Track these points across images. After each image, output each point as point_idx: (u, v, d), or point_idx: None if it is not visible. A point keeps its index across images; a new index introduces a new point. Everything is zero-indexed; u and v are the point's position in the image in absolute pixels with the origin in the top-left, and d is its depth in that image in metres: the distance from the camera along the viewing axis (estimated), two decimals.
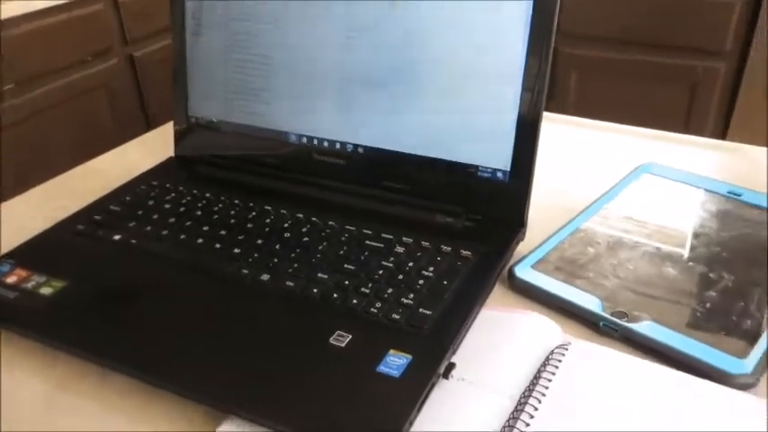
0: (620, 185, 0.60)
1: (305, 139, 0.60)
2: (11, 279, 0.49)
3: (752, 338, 0.42)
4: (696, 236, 0.53)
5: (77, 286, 0.48)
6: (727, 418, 0.36)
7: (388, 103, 0.55)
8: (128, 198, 0.59)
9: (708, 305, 0.45)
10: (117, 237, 0.54)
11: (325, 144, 0.59)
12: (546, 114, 0.77)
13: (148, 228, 0.55)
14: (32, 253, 0.52)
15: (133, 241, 0.53)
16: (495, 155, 0.53)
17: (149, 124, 1.78)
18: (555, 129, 0.76)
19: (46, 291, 0.47)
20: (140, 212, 0.57)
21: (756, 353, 0.41)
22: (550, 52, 0.49)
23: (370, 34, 0.55)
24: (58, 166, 0.71)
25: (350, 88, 0.57)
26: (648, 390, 0.38)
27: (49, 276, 0.49)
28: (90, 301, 0.47)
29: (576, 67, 1.64)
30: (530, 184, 0.52)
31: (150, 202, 0.58)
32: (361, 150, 0.58)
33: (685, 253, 0.51)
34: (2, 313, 0.46)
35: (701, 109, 1.51)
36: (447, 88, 0.53)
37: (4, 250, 0.52)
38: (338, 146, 0.59)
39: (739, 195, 0.58)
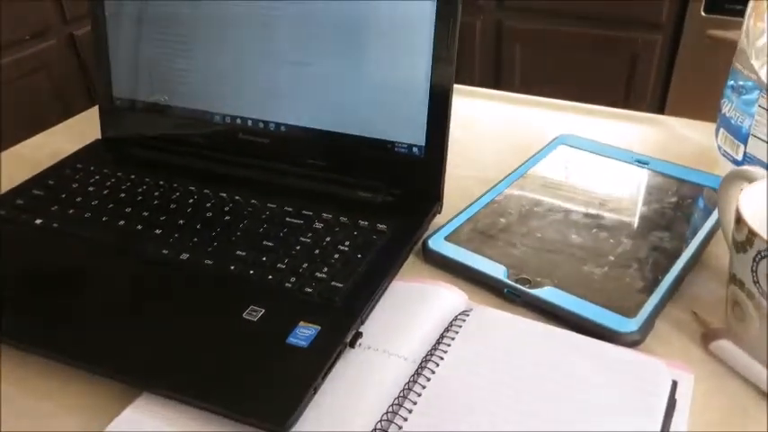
0: (537, 157, 0.62)
1: (228, 119, 0.61)
2: None
3: (642, 299, 0.45)
4: (602, 204, 0.55)
5: None
6: (612, 373, 0.39)
7: (308, 81, 0.56)
8: (51, 182, 0.59)
9: (605, 269, 0.48)
10: (39, 221, 0.54)
11: (249, 123, 0.60)
12: (470, 89, 0.80)
13: (71, 211, 0.55)
14: None
15: (55, 225, 0.53)
16: (410, 131, 0.54)
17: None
18: (481, 103, 0.78)
19: None
20: (64, 196, 0.57)
21: (644, 312, 0.44)
22: (457, 30, 0.51)
23: (284, 10, 0.55)
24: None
25: (269, 66, 0.57)
26: (540, 349, 0.41)
27: None
28: (8, 284, 0.47)
29: (519, 40, 1.66)
30: (444, 159, 0.54)
31: (74, 185, 0.59)
32: (283, 129, 0.59)
33: (591, 220, 0.53)
34: None
35: (641, 80, 1.55)
36: (363, 66, 0.54)
37: None
38: (261, 125, 0.59)
39: (646, 164, 0.60)
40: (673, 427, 0.36)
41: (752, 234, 0.38)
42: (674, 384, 0.39)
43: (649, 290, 0.46)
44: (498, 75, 1.72)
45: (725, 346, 0.41)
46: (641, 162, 0.61)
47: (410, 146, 0.55)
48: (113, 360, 0.41)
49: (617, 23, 1.52)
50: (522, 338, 0.42)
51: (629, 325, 0.43)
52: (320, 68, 0.56)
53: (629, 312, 0.44)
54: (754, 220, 0.39)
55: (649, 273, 0.47)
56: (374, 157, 0.56)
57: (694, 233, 0.51)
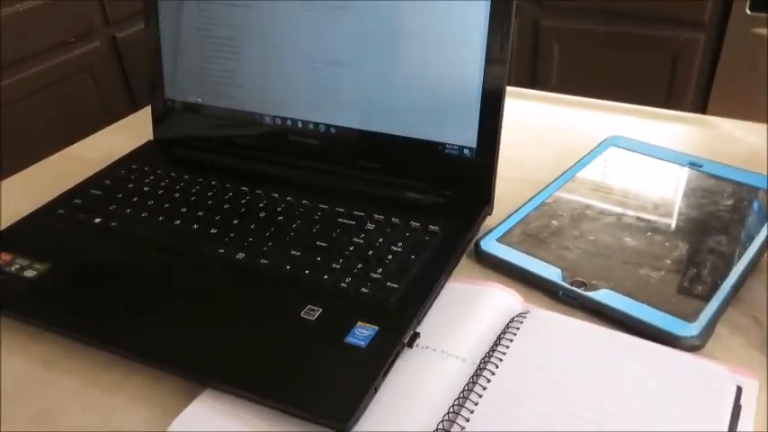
0: (587, 159, 0.62)
1: (279, 121, 0.61)
2: None
3: (702, 303, 0.44)
4: (656, 206, 0.55)
5: (59, 269, 0.50)
6: (674, 378, 0.39)
7: (359, 83, 0.57)
8: (107, 182, 0.61)
9: (662, 272, 0.47)
10: (97, 220, 0.55)
11: (299, 125, 0.61)
12: (517, 90, 0.80)
13: (128, 210, 0.56)
14: (16, 237, 0.54)
15: (113, 224, 0.55)
16: (461, 133, 0.54)
17: (137, 106, 1.78)
18: (527, 105, 0.77)
19: (29, 273, 0.49)
20: (120, 196, 0.59)
21: (705, 316, 0.43)
22: (511, 30, 0.51)
23: (338, 14, 0.56)
24: (44, 151, 0.72)
25: (321, 68, 0.58)
26: (599, 353, 0.41)
27: (32, 260, 0.50)
28: (72, 282, 0.49)
29: (557, 39, 1.64)
30: (495, 161, 0.54)
31: (130, 186, 0.60)
32: (333, 130, 0.59)
33: (644, 223, 0.53)
34: None
35: (682, 80, 1.53)
36: (414, 67, 0.54)
37: None
38: (311, 126, 0.60)
39: (700, 166, 0.60)
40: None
41: None
42: (739, 390, 0.38)
43: (709, 294, 0.45)
44: (534, 75, 1.70)
45: None
46: (695, 164, 0.60)
47: (461, 147, 0.55)
48: (176, 356, 0.42)
49: (658, 22, 1.50)
50: (581, 341, 0.42)
51: (690, 329, 0.42)
52: (371, 69, 0.56)
53: (689, 316, 0.43)
54: None
55: (708, 276, 0.47)
56: (424, 159, 0.56)
57: (752, 236, 0.50)
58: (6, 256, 0.51)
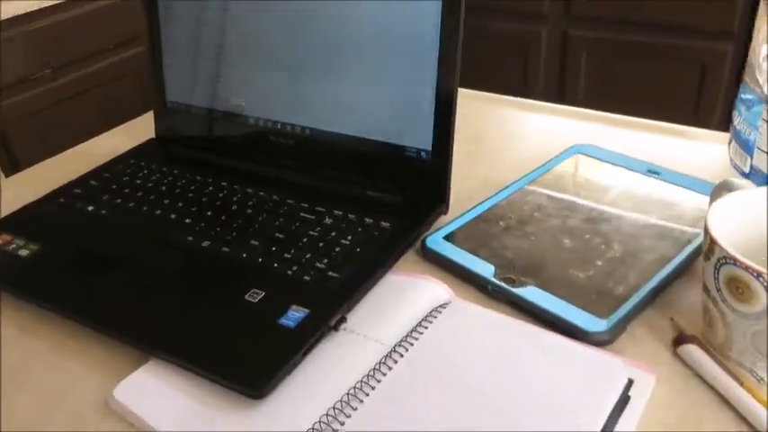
0: (549, 164, 0.64)
1: (261, 122, 0.67)
2: None
3: (619, 302, 0.46)
4: (602, 211, 0.57)
5: (49, 249, 0.56)
6: (568, 367, 0.41)
7: (326, 88, 0.61)
8: (106, 175, 0.67)
9: (591, 273, 0.50)
10: (90, 208, 0.62)
11: (278, 126, 0.66)
12: (490, 96, 0.82)
13: (118, 201, 0.62)
14: (18, 221, 0.61)
15: (103, 212, 0.61)
16: (418, 135, 0.58)
17: None
18: (502, 111, 0.80)
19: (23, 252, 0.56)
20: (114, 187, 0.65)
21: (618, 314, 0.45)
22: (461, 32, 0.54)
23: (304, 21, 0.60)
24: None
25: (292, 73, 0.63)
26: (504, 342, 0.43)
27: (27, 240, 0.57)
28: (55, 261, 0.55)
29: (585, 49, 1.64)
30: (449, 163, 0.57)
31: (125, 179, 0.66)
32: (308, 132, 0.64)
33: (588, 226, 0.55)
34: None
35: (711, 92, 1.50)
36: (374, 72, 0.58)
37: None
38: (288, 128, 0.65)
39: (657, 173, 0.61)
40: (620, 425, 0.38)
41: (713, 242, 0.40)
42: (630, 382, 0.40)
43: (628, 294, 0.47)
44: (562, 87, 1.71)
45: (691, 350, 0.42)
46: (652, 172, 0.61)
47: (418, 150, 0.58)
48: (129, 327, 0.47)
49: (686, 32, 1.48)
50: (492, 332, 0.44)
51: (599, 325, 0.44)
52: (336, 74, 0.60)
53: (602, 313, 0.45)
54: (720, 229, 0.40)
55: (633, 279, 0.49)
56: (386, 160, 0.60)
57: (689, 242, 0.52)
58: (6, 237, 0.58)
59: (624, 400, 0.39)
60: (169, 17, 0.69)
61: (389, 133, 0.59)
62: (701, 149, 0.68)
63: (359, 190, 0.60)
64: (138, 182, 0.65)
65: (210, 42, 0.67)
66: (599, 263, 0.51)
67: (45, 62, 1.58)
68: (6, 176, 1.51)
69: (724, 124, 0.67)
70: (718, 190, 0.47)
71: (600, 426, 0.37)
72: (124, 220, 0.60)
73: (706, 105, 1.52)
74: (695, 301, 0.48)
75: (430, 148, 0.58)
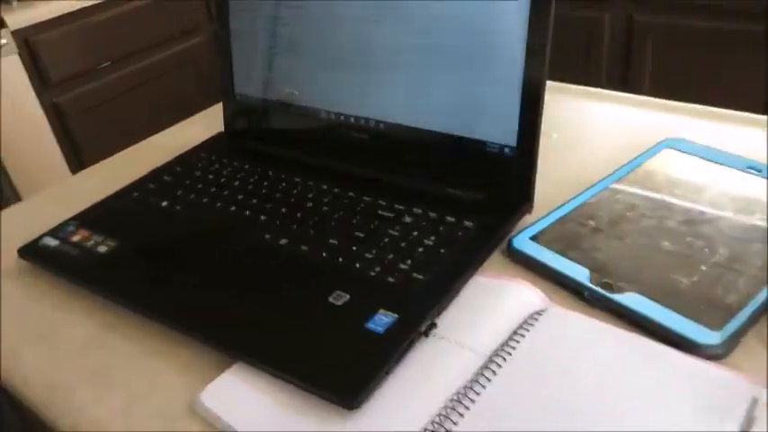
0: (638, 160, 0.61)
1: (333, 116, 0.65)
2: (75, 238, 0.57)
3: (732, 312, 0.43)
4: (702, 212, 0.53)
5: (127, 246, 0.56)
6: (685, 384, 0.38)
7: (403, 80, 0.59)
8: (179, 169, 0.67)
9: (695, 278, 0.46)
10: (164, 203, 0.61)
11: (351, 120, 0.64)
12: (573, 87, 0.78)
13: (192, 196, 0.62)
14: (94, 216, 0.61)
15: (177, 207, 0.60)
16: (502, 131, 0.55)
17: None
18: (582, 103, 0.76)
19: (102, 249, 0.55)
20: (187, 182, 0.64)
21: (731, 326, 0.42)
22: (550, 25, 0.51)
23: (383, 14, 0.58)
24: (145, 138, 0.79)
25: (369, 66, 0.61)
26: (610, 354, 0.41)
27: (105, 236, 0.57)
28: (135, 258, 0.54)
29: (651, 36, 1.58)
30: (534, 160, 0.54)
31: (197, 173, 0.65)
32: (382, 126, 0.62)
33: (687, 228, 0.51)
34: (66, 267, 0.55)
35: None
36: (456, 67, 0.56)
37: (73, 214, 0.61)
38: (362, 122, 0.63)
39: (759, 171, 0.57)
40: None
41: None
42: (754, 401, 0.37)
43: (741, 304, 0.44)
44: (626, 74, 1.64)
45: None
46: (754, 169, 0.57)
47: (501, 146, 0.56)
48: (213, 330, 0.46)
49: (761, 17, 1.40)
50: (594, 341, 0.42)
51: (712, 337, 0.41)
52: (415, 67, 0.58)
53: (715, 325, 0.42)
54: None
55: (744, 286, 0.45)
56: (466, 156, 0.58)
57: None
58: (85, 233, 0.58)
59: (748, 421, 0.36)
60: (239, 8, 0.68)
61: (470, 128, 0.57)
62: None
63: (438, 187, 0.58)
64: (211, 177, 0.65)
65: (283, 34, 0.65)
66: (703, 268, 0.47)
67: (103, 56, 1.60)
68: (70, 167, 1.54)
69: None
70: None
71: None
72: (199, 216, 0.59)
73: None
74: None
75: (515, 144, 0.55)
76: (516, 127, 0.54)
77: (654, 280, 0.47)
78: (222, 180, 0.64)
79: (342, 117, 0.64)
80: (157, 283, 0.51)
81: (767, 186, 0.55)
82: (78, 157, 1.56)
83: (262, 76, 0.69)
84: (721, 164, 0.59)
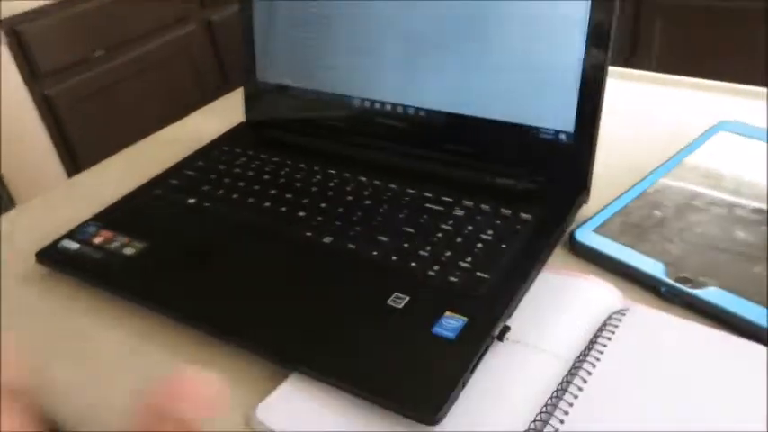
0: (694, 145, 0.58)
1: (367, 103, 0.61)
2: (97, 240, 0.53)
3: None
4: None
5: (156, 247, 0.51)
6: None
7: (448, 65, 0.55)
8: (201, 163, 0.62)
9: None
10: (191, 200, 0.57)
11: (387, 107, 0.60)
12: (618, 70, 0.75)
13: (220, 192, 0.57)
14: (115, 216, 0.56)
15: (206, 204, 0.56)
16: (558, 116, 0.52)
17: (230, 88, 1.83)
18: (627, 85, 0.73)
19: (128, 251, 0.51)
20: (212, 177, 0.60)
21: None
22: (616, 8, 0.47)
23: None
24: (143, 130, 0.75)
25: (409, 49, 0.57)
26: (706, 356, 0.38)
27: (131, 238, 0.52)
28: (167, 261, 0.50)
29: (660, 14, 1.55)
30: (593, 147, 0.51)
31: (222, 167, 0.61)
32: (422, 113, 0.58)
33: (759, 216, 0.48)
34: (91, 272, 0.50)
35: None
36: (508, 48, 0.52)
37: (90, 214, 0.56)
38: (400, 109, 0.59)
39: None
40: None
41: None
42: None
43: None
44: (633, 52, 1.61)
45: None
46: None
47: (557, 131, 0.52)
48: (264, 339, 0.42)
49: None
50: (685, 343, 0.39)
51: None
52: (461, 49, 0.54)
53: None
54: None
55: None
56: (517, 143, 0.54)
57: None
58: (107, 234, 0.53)
59: None
60: None
61: (522, 113, 0.53)
62: None
63: (486, 178, 0.54)
64: (237, 171, 0.60)
65: (312, 14, 0.61)
66: None
67: (95, 44, 1.54)
68: (63, 163, 1.48)
69: None
70: None
71: None
72: (231, 213, 0.55)
73: None
74: None
75: (572, 130, 0.51)
76: (574, 111, 0.51)
77: (734, 273, 0.44)
78: (250, 174, 0.60)
79: (378, 104, 0.60)
80: (195, 287, 0.47)
81: None
82: (71, 151, 1.50)
83: (288, 61, 0.64)
84: None
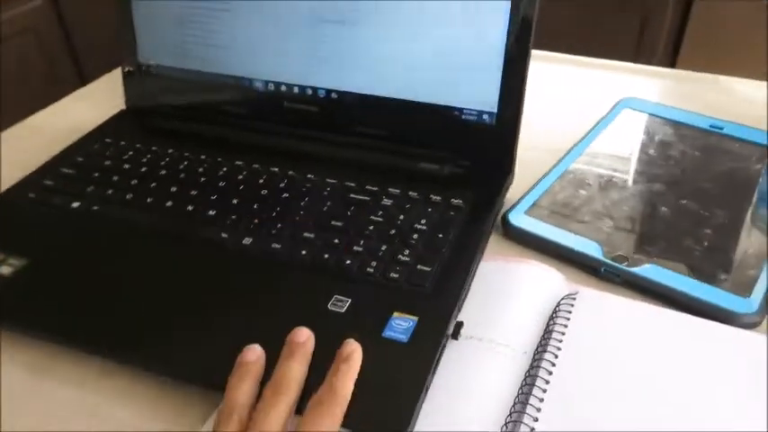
0: (603, 123, 0.59)
1: (272, 86, 0.55)
2: None
3: (752, 275, 0.42)
4: (684, 172, 0.52)
5: (39, 264, 0.43)
6: (738, 358, 0.36)
7: (365, 42, 0.51)
8: (80, 159, 0.54)
9: (705, 244, 0.45)
10: (76, 204, 0.49)
11: (296, 90, 0.55)
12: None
13: (110, 192, 0.50)
14: None
15: (95, 208, 0.48)
16: (481, 96, 0.50)
17: (81, 73, 1.65)
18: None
19: (5, 270, 0.43)
20: (97, 174, 0.52)
21: (758, 290, 0.41)
22: None
23: None
24: None
25: (321, 27, 0.52)
26: (660, 335, 0.38)
27: (5, 254, 0.44)
28: (56, 278, 0.42)
29: None
30: (518, 126, 0.50)
31: (106, 162, 0.53)
32: (335, 96, 0.54)
33: (676, 190, 0.50)
34: None
35: (652, 37, 1.51)
36: (426, 24, 0.49)
37: None
38: (310, 92, 0.54)
39: (721, 129, 0.57)
40: None
41: None
42: None
43: (757, 265, 0.43)
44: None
45: None
46: (716, 126, 0.57)
47: (480, 112, 0.50)
48: (189, 365, 0.36)
49: None
50: (639, 323, 0.39)
51: (748, 305, 0.40)
52: (378, 26, 0.51)
53: (743, 291, 0.41)
54: None
55: (752, 246, 0.44)
56: (439, 125, 0.52)
57: None
58: None
59: None
60: None
61: (444, 94, 0.51)
62: (738, 99, 0.65)
63: (410, 163, 0.52)
64: (127, 166, 0.53)
65: None
66: (708, 231, 0.46)
67: None
68: None
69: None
70: None
71: None
72: (128, 216, 0.48)
73: (647, 50, 1.53)
74: None
75: (495, 110, 0.50)
76: (497, 90, 0.49)
77: (666, 249, 0.45)
78: (144, 170, 0.52)
79: (283, 87, 0.55)
80: (95, 308, 0.40)
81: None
82: None
83: (175, 40, 0.57)
84: (683, 123, 0.58)
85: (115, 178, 0.51)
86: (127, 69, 0.60)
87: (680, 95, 0.65)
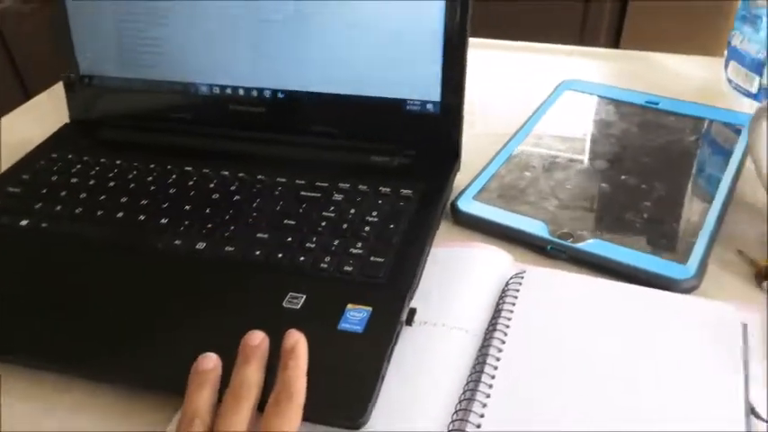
0: (545, 105, 0.60)
1: (217, 89, 0.56)
2: None
3: (690, 243, 0.44)
4: (624, 148, 0.54)
5: None
6: (685, 323, 0.38)
7: (305, 41, 0.52)
8: (26, 176, 0.53)
9: (645, 215, 0.47)
10: (24, 222, 0.48)
11: (240, 92, 0.55)
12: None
13: (59, 207, 0.49)
14: None
15: (44, 225, 0.48)
16: (423, 86, 0.51)
17: (24, 87, 1.61)
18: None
19: None
20: (45, 191, 0.51)
21: (696, 256, 0.43)
22: None
23: None
24: None
25: (257, 28, 0.52)
26: (606, 306, 0.39)
27: None
28: (8, 297, 0.42)
29: None
30: (461, 114, 0.51)
31: (54, 178, 0.53)
32: (281, 95, 0.54)
33: (616, 167, 0.52)
34: None
35: (595, 19, 1.54)
36: (367, 19, 0.50)
37: None
38: (254, 93, 0.55)
39: (656, 104, 0.59)
40: (752, 370, 0.36)
41: None
42: (744, 327, 0.38)
43: (694, 232, 0.45)
44: None
45: None
46: (651, 102, 0.59)
47: (424, 102, 0.51)
48: (149, 370, 0.37)
49: None
50: (585, 296, 0.40)
51: (685, 271, 0.41)
52: (316, 23, 0.51)
53: (681, 258, 0.42)
54: None
55: (690, 215, 0.46)
56: (384, 118, 0.52)
57: (722, 171, 0.50)
58: None
59: (745, 346, 0.37)
60: None
61: (387, 86, 0.52)
62: (674, 74, 0.68)
63: (359, 157, 0.52)
64: (75, 180, 0.52)
65: None
66: (647, 204, 0.48)
67: None
68: None
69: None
70: (763, 115, 0.45)
71: (742, 380, 0.35)
72: (79, 230, 0.47)
73: (590, 33, 1.56)
74: (750, 230, 0.46)
75: (438, 99, 0.51)
76: (438, 79, 0.50)
77: (608, 223, 0.46)
78: (92, 183, 0.52)
79: (228, 90, 0.55)
80: (51, 324, 0.40)
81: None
82: None
83: (114, 49, 0.57)
84: (620, 100, 0.60)
85: (63, 193, 0.51)
86: (68, 82, 0.59)
87: (619, 74, 0.68)
